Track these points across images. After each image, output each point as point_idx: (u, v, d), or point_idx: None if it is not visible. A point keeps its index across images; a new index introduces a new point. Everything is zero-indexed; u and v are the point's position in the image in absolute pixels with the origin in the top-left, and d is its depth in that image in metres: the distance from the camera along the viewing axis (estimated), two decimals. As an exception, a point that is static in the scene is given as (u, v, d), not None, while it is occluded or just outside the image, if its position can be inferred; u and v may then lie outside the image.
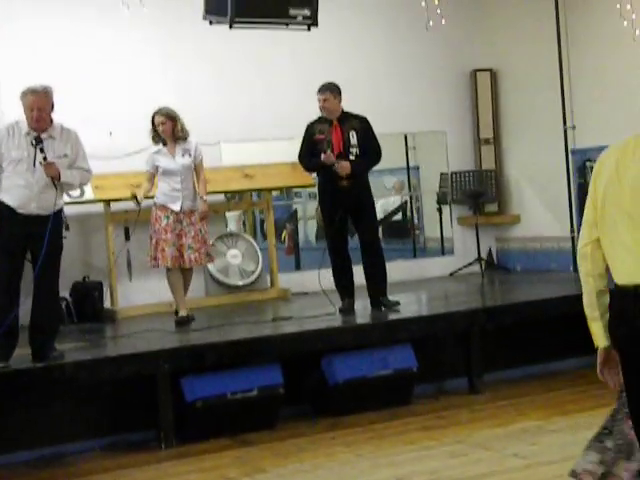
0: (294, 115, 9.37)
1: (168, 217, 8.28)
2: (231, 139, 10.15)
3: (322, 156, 8.14)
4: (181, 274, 8.42)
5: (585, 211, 3.85)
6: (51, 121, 6.84)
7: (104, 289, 9.18)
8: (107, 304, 9.21)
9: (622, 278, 3.70)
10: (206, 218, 8.41)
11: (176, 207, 8.27)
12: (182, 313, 8.41)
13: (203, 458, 6.74)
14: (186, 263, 8.34)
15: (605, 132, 9.58)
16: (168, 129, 8.27)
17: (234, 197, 10.81)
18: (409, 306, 8.93)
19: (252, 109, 10.13)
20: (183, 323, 8.30)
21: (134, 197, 8.18)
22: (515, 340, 8.49)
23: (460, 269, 10.94)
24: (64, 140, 6.89)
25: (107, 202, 9.13)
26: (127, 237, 9.08)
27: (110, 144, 9.25)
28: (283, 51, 10.24)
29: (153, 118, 8.32)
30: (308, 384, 7.71)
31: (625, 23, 9.26)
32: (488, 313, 8.14)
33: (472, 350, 8.15)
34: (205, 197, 8.36)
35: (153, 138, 8.40)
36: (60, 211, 6.91)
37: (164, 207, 8.29)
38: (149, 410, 7.04)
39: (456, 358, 8.26)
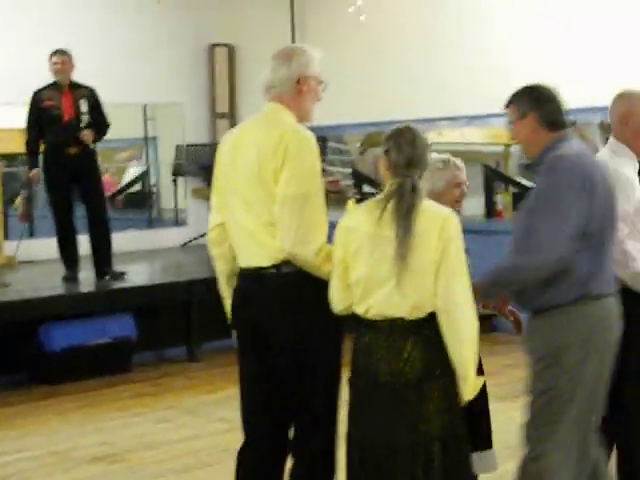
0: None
1: None
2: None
3: None
4: None
5: (211, 197, 4.01)
6: None
7: None
8: None
9: (244, 261, 3.90)
10: None
11: None
12: None
13: None
14: None
15: (337, 111, 10.01)
16: None
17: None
18: (135, 276, 8.98)
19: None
20: None
21: None
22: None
23: (192, 240, 11.12)
24: None
25: None
26: None
27: None
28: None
29: None
30: (25, 352, 7.67)
31: (351, 9, 9.67)
32: (207, 284, 8.31)
33: (191, 320, 8.37)
34: None
35: None
36: None
37: None
38: None
39: (176, 327, 8.44)
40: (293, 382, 3.87)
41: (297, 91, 3.90)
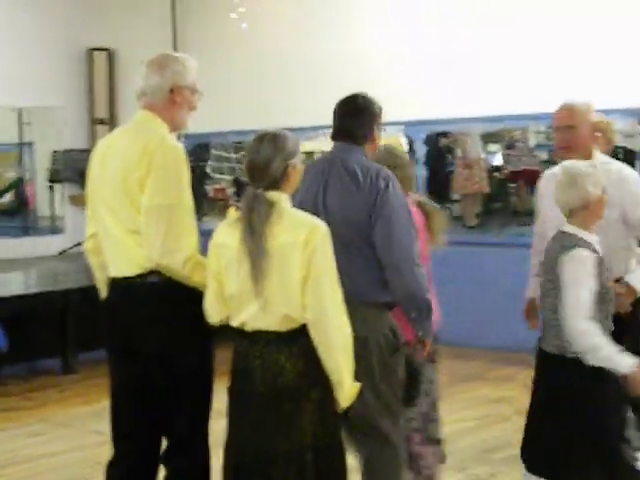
0: None
1: None
2: None
3: None
4: None
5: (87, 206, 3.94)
6: None
7: None
8: None
9: (113, 270, 3.84)
10: None
11: None
12: None
13: None
14: None
15: (220, 117, 9.94)
16: None
17: None
18: (7, 285, 8.72)
19: None
20: None
21: None
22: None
23: (70, 248, 10.85)
24: None
25: None
26: None
27: None
28: None
29: None
30: None
31: (233, 15, 9.61)
32: (84, 293, 8.11)
33: (67, 330, 8.14)
34: None
35: None
36: None
37: None
38: None
39: (51, 338, 8.19)
40: (162, 394, 3.80)
41: (170, 100, 3.83)
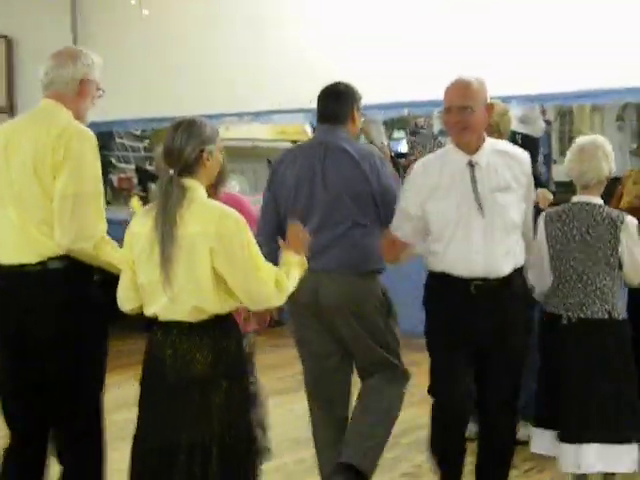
0: None
1: None
2: None
3: None
4: None
5: None
6: None
7: None
8: None
9: (6, 257, 3.82)
10: None
11: None
12: None
13: None
14: None
15: (123, 106, 9.81)
16: None
17: None
18: None
19: None
20: None
21: None
22: None
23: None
24: None
25: None
26: None
27: None
28: None
29: None
30: None
31: (133, 1, 9.48)
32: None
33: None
34: None
35: None
36: None
37: None
38: None
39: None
40: (55, 382, 3.80)
41: (79, 92, 3.92)
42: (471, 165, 4.19)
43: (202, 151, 3.44)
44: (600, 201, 4.50)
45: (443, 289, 4.25)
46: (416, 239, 4.31)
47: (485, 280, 4.15)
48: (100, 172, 3.84)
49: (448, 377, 4.23)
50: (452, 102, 4.20)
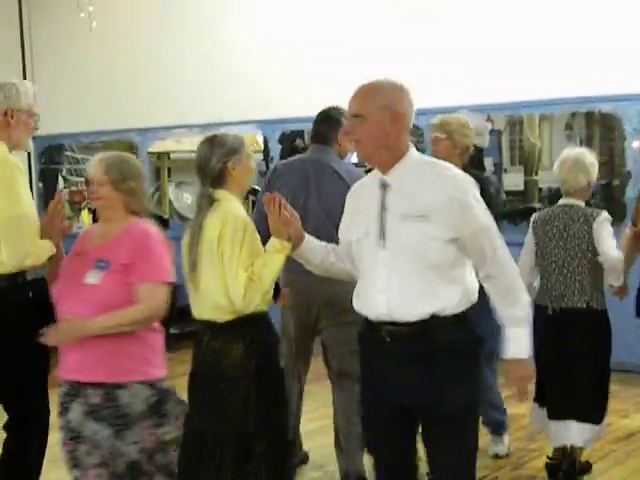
0: None
1: None
2: None
3: None
4: None
5: None
6: None
7: None
8: None
9: None
10: None
11: None
12: None
13: None
14: None
15: (72, 119, 9.76)
16: None
17: None
18: None
19: None
20: None
21: None
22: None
23: None
24: None
25: None
26: None
27: None
28: None
29: None
30: None
31: (82, 14, 9.42)
32: None
33: None
34: None
35: None
36: None
37: None
38: None
39: None
40: None
41: (5, 123, 4.05)
42: (384, 186, 3.33)
43: (226, 162, 3.58)
44: (581, 204, 4.95)
45: (364, 334, 3.45)
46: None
47: (394, 324, 3.26)
48: (28, 194, 4.02)
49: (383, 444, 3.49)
50: (348, 110, 3.42)
